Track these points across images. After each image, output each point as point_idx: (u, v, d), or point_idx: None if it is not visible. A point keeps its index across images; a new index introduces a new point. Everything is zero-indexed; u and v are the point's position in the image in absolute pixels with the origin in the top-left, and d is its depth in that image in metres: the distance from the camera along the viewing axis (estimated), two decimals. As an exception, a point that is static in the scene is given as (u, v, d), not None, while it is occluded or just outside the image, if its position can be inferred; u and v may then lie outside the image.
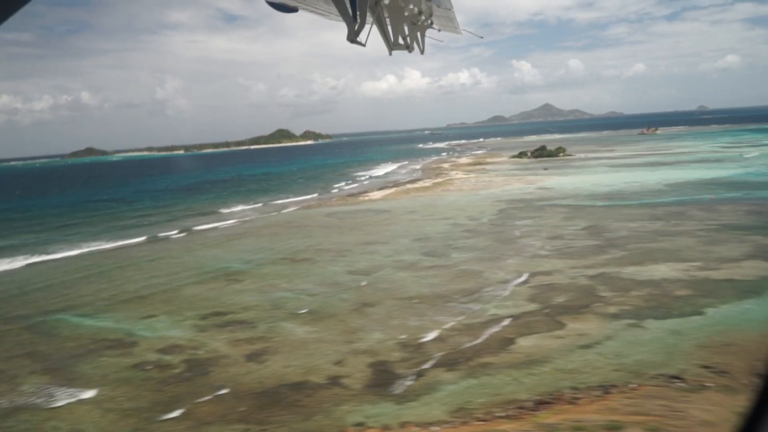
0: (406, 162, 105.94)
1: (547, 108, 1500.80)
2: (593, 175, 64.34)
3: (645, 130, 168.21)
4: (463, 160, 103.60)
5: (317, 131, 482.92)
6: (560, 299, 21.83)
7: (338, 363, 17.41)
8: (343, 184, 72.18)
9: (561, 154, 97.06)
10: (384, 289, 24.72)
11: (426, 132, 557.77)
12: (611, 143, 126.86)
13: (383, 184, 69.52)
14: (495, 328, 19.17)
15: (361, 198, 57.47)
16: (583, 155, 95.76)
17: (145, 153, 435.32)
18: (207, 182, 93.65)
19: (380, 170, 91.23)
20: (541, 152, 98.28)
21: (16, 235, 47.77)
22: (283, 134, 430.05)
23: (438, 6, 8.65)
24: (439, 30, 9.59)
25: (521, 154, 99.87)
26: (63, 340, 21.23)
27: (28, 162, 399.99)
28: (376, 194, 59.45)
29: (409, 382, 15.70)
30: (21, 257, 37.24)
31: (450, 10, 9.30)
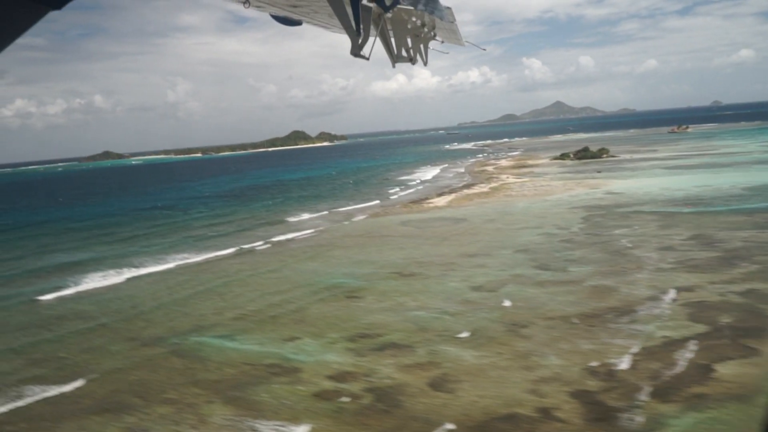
0: (446, 165, 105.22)
1: (558, 106, 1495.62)
2: (654, 178, 63.26)
3: (675, 129, 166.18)
4: (504, 162, 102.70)
5: (331, 132, 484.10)
6: (726, 319, 21.08)
7: (534, 392, 16.80)
8: (397, 189, 71.55)
9: (604, 156, 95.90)
10: (525, 308, 24.08)
11: (440, 132, 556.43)
12: (647, 143, 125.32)
13: (438, 189, 68.83)
14: (682, 353, 18.49)
15: (425, 205, 56.85)
16: (627, 156, 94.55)
17: (162, 156, 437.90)
18: (250, 188, 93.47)
19: (424, 174, 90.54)
20: (584, 153, 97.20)
21: (91, 247, 47.66)
22: (298, 136, 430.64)
23: (441, 19, 8.55)
24: (443, 42, 9.58)
25: (563, 156, 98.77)
26: (218, 366, 20.78)
27: (48, 166, 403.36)
28: (439, 201, 58.81)
29: (633, 416, 15.07)
30: (112, 272, 37.01)
31: (453, 23, 9.10)
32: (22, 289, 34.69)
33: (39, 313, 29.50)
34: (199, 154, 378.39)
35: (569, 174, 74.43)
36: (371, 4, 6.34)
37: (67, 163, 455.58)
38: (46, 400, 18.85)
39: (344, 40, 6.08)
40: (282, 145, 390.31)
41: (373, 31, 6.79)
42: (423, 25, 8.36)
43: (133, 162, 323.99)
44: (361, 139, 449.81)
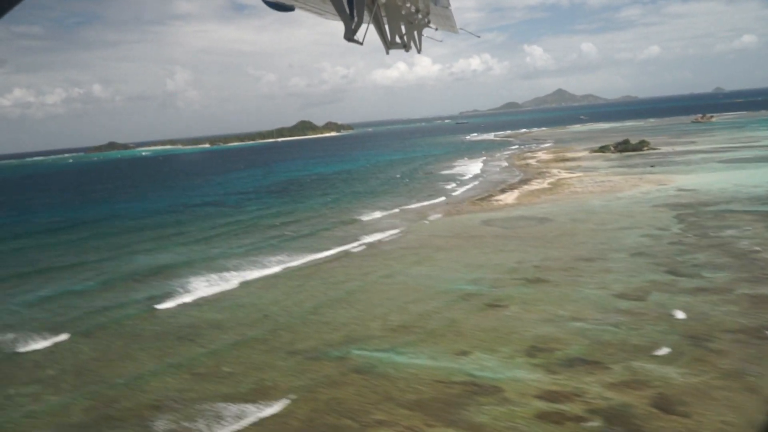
0: (483, 158, 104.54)
1: (560, 93, 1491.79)
2: (718, 173, 62.60)
3: (700, 118, 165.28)
4: (543, 155, 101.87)
5: (337, 122, 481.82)
6: None
7: (775, 416, 16.41)
8: (453, 185, 70.62)
9: (645, 148, 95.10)
10: (695, 320, 23.64)
11: (446, 121, 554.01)
12: (678, 133, 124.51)
13: (495, 185, 68.13)
14: None
15: (494, 203, 56.26)
16: (668, 148, 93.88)
17: (169, 147, 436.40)
18: (291, 183, 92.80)
19: (468, 168, 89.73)
20: (624, 146, 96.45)
21: (170, 248, 47.07)
22: (305, 126, 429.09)
23: (435, 4, 8.53)
24: (436, 29, 9.68)
25: (603, 149, 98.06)
26: (407, 383, 20.31)
27: (56, 157, 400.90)
28: (506, 198, 58.23)
29: None
30: (214, 276, 36.48)
31: (447, 8, 9.15)
32: (131, 295, 34.15)
33: (168, 322, 29.01)
34: (207, 145, 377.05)
35: (622, 168, 73.80)
36: None
37: (74, 154, 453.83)
38: (257, 424, 18.40)
39: (342, 28, 6.04)
40: (289, 135, 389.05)
41: (366, 16, 6.70)
42: (417, 11, 8.25)
43: (144, 153, 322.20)
44: (369, 129, 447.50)
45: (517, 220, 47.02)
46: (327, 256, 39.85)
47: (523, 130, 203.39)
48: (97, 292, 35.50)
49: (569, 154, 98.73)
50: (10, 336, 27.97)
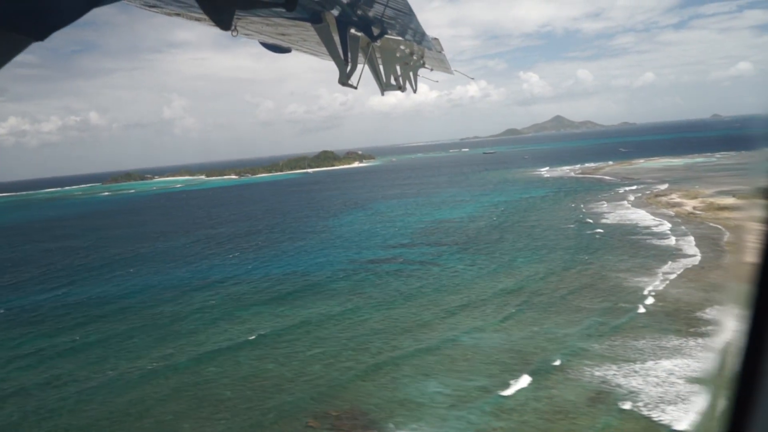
0: (622, 201, 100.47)
1: (558, 120, 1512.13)
2: None
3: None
4: (689, 202, 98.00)
5: (358, 152, 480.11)
6: None
7: None
8: (668, 242, 65.90)
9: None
10: None
11: (464, 150, 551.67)
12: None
13: (715, 239, 64.09)
14: None
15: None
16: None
17: (187, 177, 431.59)
18: (443, 231, 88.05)
19: (632, 216, 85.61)
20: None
21: (512, 330, 42.34)
22: (328, 155, 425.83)
23: (429, 49, 9.03)
24: (431, 69, 10.23)
25: (753, 194, 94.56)
26: None
27: (75, 188, 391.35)
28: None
29: None
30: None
31: (441, 52, 9.63)
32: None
33: None
34: (234, 176, 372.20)
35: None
36: (359, 34, 6.65)
37: (88, 186, 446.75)
38: None
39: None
40: (317, 166, 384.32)
41: (361, 58, 7.28)
42: (412, 53, 8.72)
43: (178, 187, 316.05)
44: (393, 159, 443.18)
45: None
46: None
47: (590, 165, 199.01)
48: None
49: (718, 201, 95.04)
50: None
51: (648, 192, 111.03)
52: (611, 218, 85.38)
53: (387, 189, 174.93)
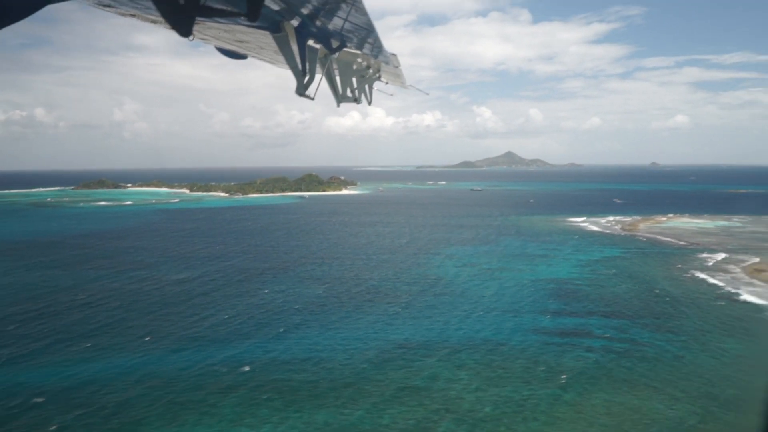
0: (729, 276, 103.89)
1: (510, 156, 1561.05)
2: None
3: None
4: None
5: (341, 177, 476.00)
6: None
7: None
8: None
9: None
10: None
11: (441, 183, 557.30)
12: None
13: None
14: None
15: None
16: None
17: (165, 189, 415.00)
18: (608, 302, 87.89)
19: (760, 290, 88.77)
20: None
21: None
22: (313, 179, 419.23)
23: (386, 63, 9.22)
24: (387, 83, 10.69)
25: None
26: None
27: (39, 193, 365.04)
28: None
29: None
30: None
31: (398, 68, 9.89)
32: None
33: None
34: (221, 193, 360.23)
35: None
36: (317, 46, 6.66)
37: (56, 190, 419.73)
38: None
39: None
40: (304, 189, 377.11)
41: (319, 70, 7.28)
42: (368, 66, 9.11)
43: (176, 201, 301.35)
44: (381, 188, 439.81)
45: None
46: None
47: (613, 217, 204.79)
48: None
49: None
50: None
51: (742, 263, 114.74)
52: (748, 297, 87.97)
53: (430, 230, 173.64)
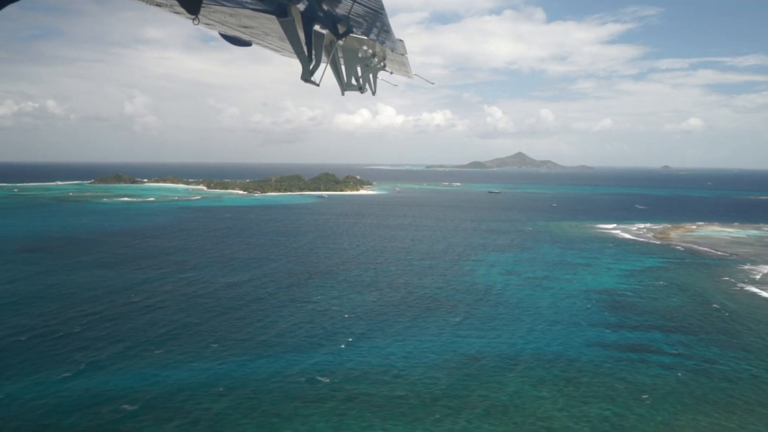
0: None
1: (520, 156, 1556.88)
2: None
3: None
4: None
5: (356, 177, 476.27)
6: None
7: None
8: None
9: None
10: None
11: (456, 184, 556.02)
12: None
13: None
14: None
15: None
16: None
17: (179, 186, 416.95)
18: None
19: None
20: None
21: None
22: (329, 179, 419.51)
23: (392, 50, 9.06)
24: (391, 73, 10.56)
25: None
26: None
27: (59, 187, 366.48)
28: None
29: None
30: None
31: (404, 55, 9.73)
32: None
33: None
34: (239, 191, 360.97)
35: None
36: (324, 31, 6.56)
37: (74, 184, 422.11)
38: None
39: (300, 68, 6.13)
40: (320, 188, 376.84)
41: (324, 57, 7.10)
42: (374, 55, 8.95)
43: (197, 198, 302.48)
44: (398, 189, 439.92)
45: None
46: None
47: (643, 225, 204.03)
48: None
49: None
50: None
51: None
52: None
53: (463, 236, 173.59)
